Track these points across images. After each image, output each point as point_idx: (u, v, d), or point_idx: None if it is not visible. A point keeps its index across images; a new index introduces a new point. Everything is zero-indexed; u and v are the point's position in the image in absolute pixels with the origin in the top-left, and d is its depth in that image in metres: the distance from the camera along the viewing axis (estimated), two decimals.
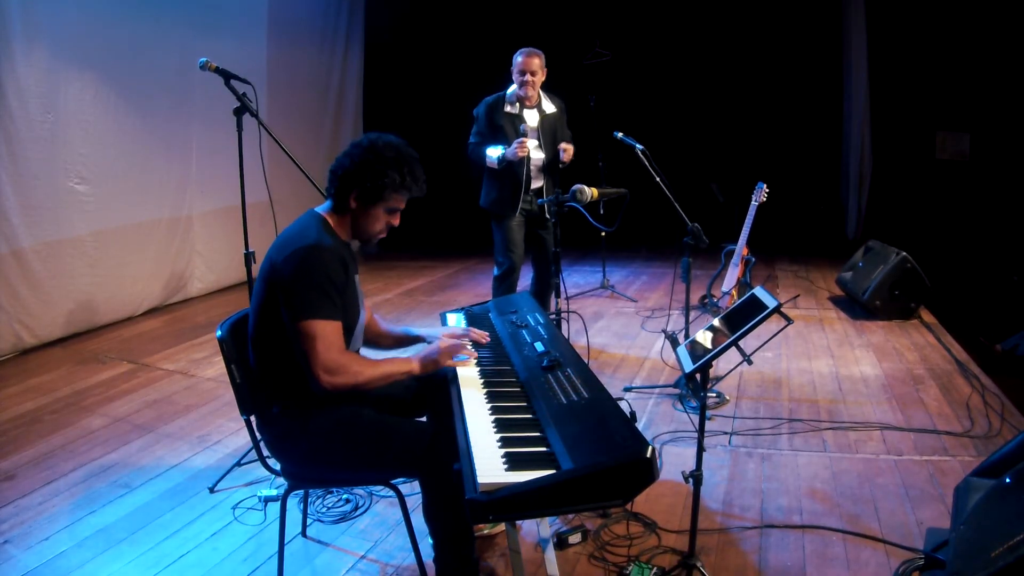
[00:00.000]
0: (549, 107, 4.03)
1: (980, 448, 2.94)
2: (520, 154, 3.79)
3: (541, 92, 4.00)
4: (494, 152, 3.87)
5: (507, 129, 3.89)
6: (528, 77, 3.84)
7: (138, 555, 2.37)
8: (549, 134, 4.00)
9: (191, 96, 5.57)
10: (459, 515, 1.83)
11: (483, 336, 2.24)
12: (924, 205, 7.14)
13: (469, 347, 2.14)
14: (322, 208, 2.03)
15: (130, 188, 5.24)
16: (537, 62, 3.85)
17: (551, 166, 4.03)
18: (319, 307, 1.83)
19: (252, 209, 2.99)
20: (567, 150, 3.93)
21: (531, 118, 3.96)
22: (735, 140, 8.05)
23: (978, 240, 6.58)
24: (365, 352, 2.20)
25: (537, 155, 3.98)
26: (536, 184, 4.04)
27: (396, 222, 2.05)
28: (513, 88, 3.95)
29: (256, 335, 1.98)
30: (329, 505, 2.64)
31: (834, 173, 7.95)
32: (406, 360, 2.01)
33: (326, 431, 1.93)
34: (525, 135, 3.83)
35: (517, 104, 3.94)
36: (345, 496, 2.68)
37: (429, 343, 2.21)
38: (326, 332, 1.84)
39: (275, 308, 1.89)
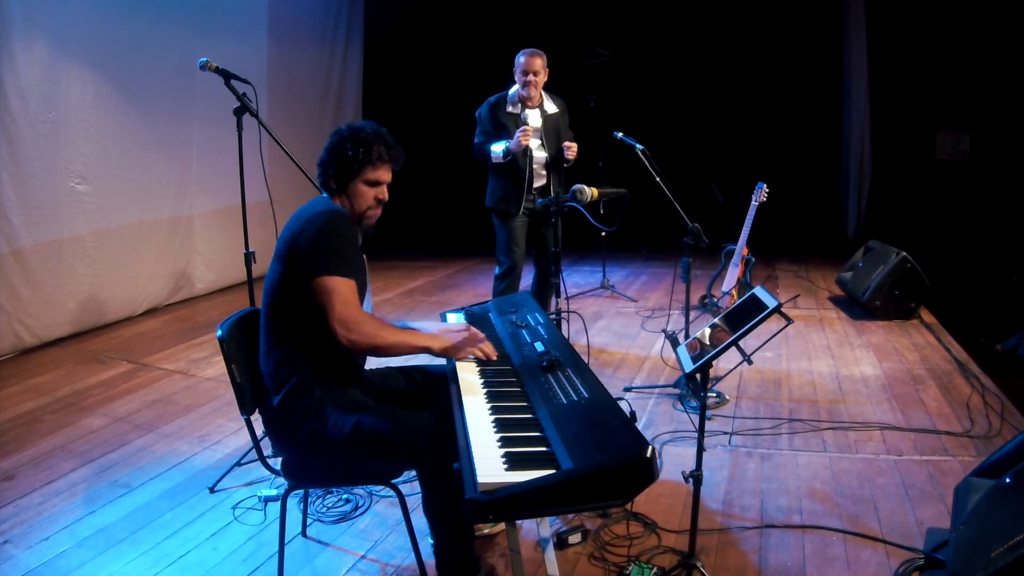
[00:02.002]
0: (551, 107, 4.04)
1: (980, 448, 2.94)
2: (523, 142, 3.79)
3: (543, 92, 4.01)
4: (498, 147, 3.88)
5: (510, 128, 3.91)
6: (531, 77, 3.86)
7: (138, 555, 2.37)
8: (552, 133, 4.01)
9: (192, 96, 5.58)
10: (459, 513, 1.84)
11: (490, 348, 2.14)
12: (924, 205, 7.14)
13: (490, 348, 2.10)
14: (325, 196, 2.15)
15: (131, 188, 5.24)
16: (539, 62, 3.87)
17: (555, 165, 4.05)
18: (336, 264, 1.90)
19: (252, 209, 2.99)
20: (571, 147, 3.95)
21: (533, 118, 3.97)
22: (735, 140, 8.05)
23: (978, 240, 6.58)
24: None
25: (540, 154, 3.99)
26: (539, 183, 4.05)
27: (383, 195, 2.11)
28: (515, 88, 3.97)
29: (272, 308, 2.00)
30: (329, 505, 2.64)
31: (834, 173, 7.95)
32: (428, 336, 2.06)
33: (330, 415, 1.94)
34: (527, 123, 3.84)
35: (519, 104, 3.95)
36: (345, 496, 2.68)
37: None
38: (342, 288, 1.90)
39: (294, 273, 1.93)
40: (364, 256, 2.16)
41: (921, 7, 6.86)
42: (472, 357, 2.07)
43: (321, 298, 1.89)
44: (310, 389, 1.97)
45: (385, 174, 2.10)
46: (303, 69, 6.96)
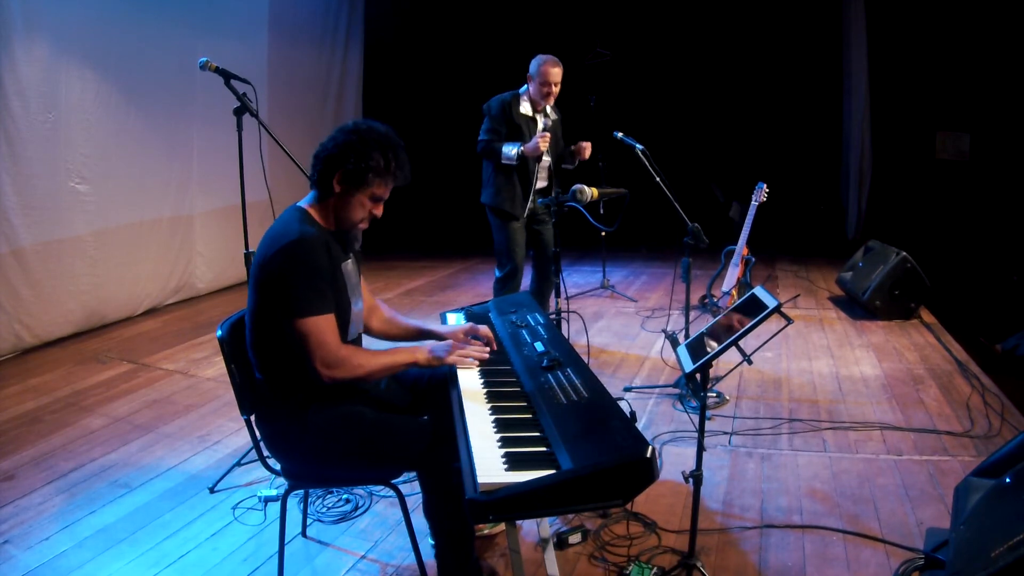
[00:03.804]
0: (553, 114, 4.09)
1: (980, 448, 2.94)
2: (542, 148, 3.81)
3: None
4: (512, 149, 3.86)
5: (524, 130, 3.92)
6: (553, 88, 3.87)
7: (138, 555, 2.37)
8: (555, 138, 4.05)
9: (192, 96, 5.58)
10: (459, 514, 1.83)
11: (490, 342, 2.18)
12: (924, 205, 7.14)
13: (478, 351, 2.09)
14: (304, 201, 2.01)
15: (131, 188, 5.24)
16: (560, 73, 3.87)
17: (555, 170, 4.09)
18: (310, 304, 1.82)
19: (252, 209, 2.99)
20: (587, 147, 3.95)
21: (543, 122, 4.02)
22: (735, 140, 8.05)
23: (978, 240, 6.59)
24: (375, 343, 2.19)
25: (546, 158, 4.03)
26: (540, 185, 4.08)
27: (379, 212, 2.01)
28: (525, 88, 3.97)
29: (253, 334, 1.97)
30: (329, 505, 2.64)
31: (834, 173, 7.95)
32: (410, 351, 2.01)
33: (326, 429, 1.93)
34: (547, 129, 3.88)
35: (530, 106, 3.96)
36: (345, 496, 2.68)
37: (440, 339, 2.19)
38: (320, 328, 1.83)
39: (268, 306, 1.88)
40: (350, 262, 2.06)
41: (921, 7, 6.86)
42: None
43: (301, 341, 1.83)
44: (305, 407, 1.94)
45: (388, 192, 1.99)
46: (303, 69, 6.96)
